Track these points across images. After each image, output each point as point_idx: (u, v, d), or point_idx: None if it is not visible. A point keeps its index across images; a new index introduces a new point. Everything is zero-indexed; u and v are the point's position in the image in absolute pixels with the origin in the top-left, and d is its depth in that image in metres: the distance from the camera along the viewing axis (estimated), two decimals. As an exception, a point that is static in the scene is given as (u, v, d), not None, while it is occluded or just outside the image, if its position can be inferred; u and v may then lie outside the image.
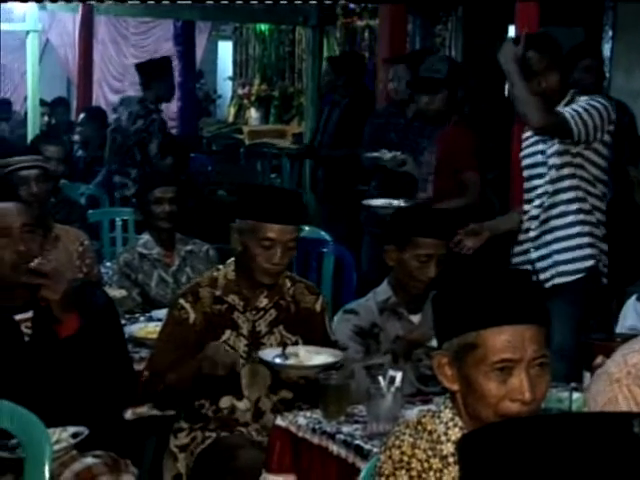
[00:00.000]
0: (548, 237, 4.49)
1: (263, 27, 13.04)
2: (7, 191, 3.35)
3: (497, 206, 6.15)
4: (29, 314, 3.23)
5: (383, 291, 3.85)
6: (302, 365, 3.49)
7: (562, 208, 4.45)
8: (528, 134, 4.57)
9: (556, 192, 4.44)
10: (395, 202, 5.63)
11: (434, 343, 3.52)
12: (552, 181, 4.45)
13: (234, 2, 10.38)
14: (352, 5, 10.99)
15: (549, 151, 4.45)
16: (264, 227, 3.56)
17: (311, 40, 12.11)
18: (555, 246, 4.47)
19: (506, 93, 9.09)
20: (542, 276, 4.46)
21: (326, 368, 3.42)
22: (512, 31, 7.01)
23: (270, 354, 3.51)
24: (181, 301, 3.64)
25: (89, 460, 3.05)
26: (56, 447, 2.96)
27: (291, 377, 3.55)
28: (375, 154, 6.01)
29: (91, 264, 4.84)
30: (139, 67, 7.78)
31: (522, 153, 4.61)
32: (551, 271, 4.47)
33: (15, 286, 3.18)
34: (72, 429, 3.08)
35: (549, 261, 4.48)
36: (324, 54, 11.52)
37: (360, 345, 3.75)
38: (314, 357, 3.51)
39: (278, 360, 3.48)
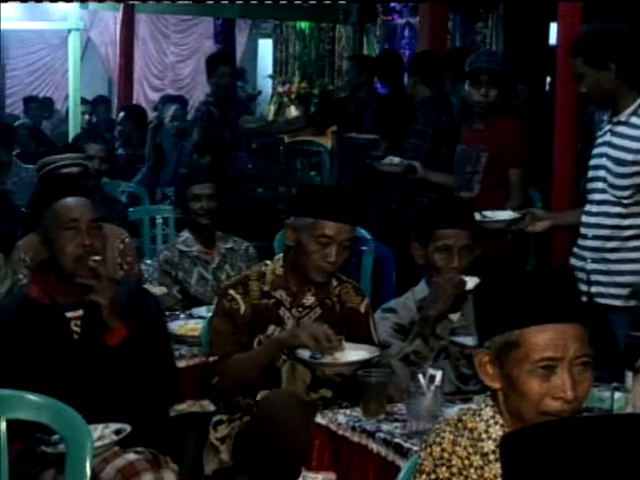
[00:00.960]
0: (608, 255, 4.32)
1: (303, 25, 13.03)
2: (75, 186, 3.42)
3: (540, 203, 6.10)
4: (79, 312, 3.26)
5: (421, 289, 3.84)
6: (336, 362, 3.48)
7: (630, 232, 4.30)
8: (601, 132, 4.48)
9: (625, 215, 4.30)
10: (396, 159, 5.86)
11: (466, 341, 3.54)
12: (620, 202, 4.34)
13: (274, 0, 10.40)
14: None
15: (619, 170, 4.34)
16: (322, 224, 3.59)
17: (351, 38, 12.13)
18: (615, 266, 4.30)
19: (547, 88, 9.08)
20: (594, 289, 4.33)
21: (361, 364, 3.42)
22: (554, 28, 6.97)
23: (307, 351, 3.52)
24: (231, 292, 3.66)
25: (131, 456, 3.06)
26: (99, 443, 2.98)
27: (327, 374, 3.54)
28: (384, 161, 5.96)
29: (132, 262, 4.86)
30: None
31: (593, 151, 4.51)
32: (607, 289, 4.33)
33: (73, 280, 3.21)
34: (114, 426, 3.10)
35: (606, 278, 4.31)
36: (364, 52, 11.52)
37: (402, 342, 3.74)
38: (350, 354, 3.51)
39: (314, 357, 3.49)
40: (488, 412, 2.23)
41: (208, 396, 3.83)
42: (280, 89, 13.49)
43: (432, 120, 6.18)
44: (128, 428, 3.09)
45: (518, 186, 5.34)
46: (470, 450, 2.19)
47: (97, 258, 3.20)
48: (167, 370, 3.37)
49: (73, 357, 3.22)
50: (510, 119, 5.50)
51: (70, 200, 3.29)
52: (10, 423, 2.77)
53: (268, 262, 3.79)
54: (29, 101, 11.82)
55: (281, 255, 3.78)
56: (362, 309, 3.76)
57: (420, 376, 3.15)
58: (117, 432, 3.09)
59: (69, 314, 3.26)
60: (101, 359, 3.19)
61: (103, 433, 3.08)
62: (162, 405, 3.44)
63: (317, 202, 3.63)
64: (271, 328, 3.66)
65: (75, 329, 3.26)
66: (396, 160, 5.88)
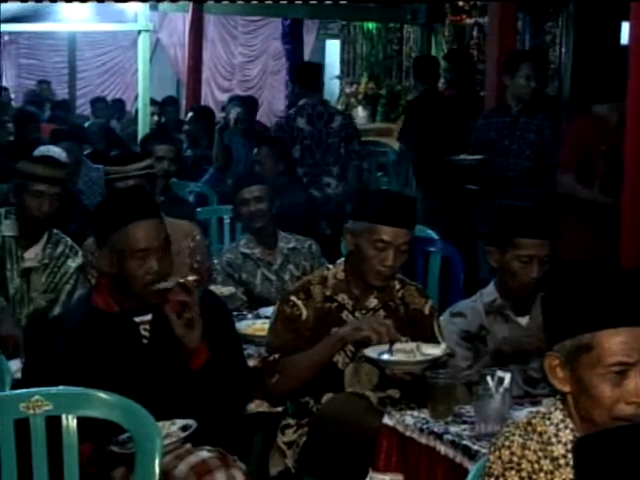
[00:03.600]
0: None
1: (371, 25, 13.02)
2: (150, 205, 3.33)
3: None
4: (148, 317, 3.27)
5: (489, 292, 3.82)
6: (407, 360, 3.48)
7: None
8: None
9: None
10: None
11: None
12: None
13: (342, 0, 10.41)
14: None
15: None
16: (379, 229, 3.60)
17: (419, 38, 12.08)
18: None
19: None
20: None
21: (431, 363, 3.41)
22: (625, 28, 6.89)
23: (376, 351, 3.52)
24: (293, 298, 3.68)
25: (204, 454, 3.08)
26: (166, 441, 2.99)
27: (396, 373, 3.54)
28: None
29: (202, 260, 4.85)
30: (309, 67, 7.73)
31: None
32: None
33: (141, 298, 3.23)
34: (180, 422, 3.11)
35: None
36: (432, 52, 11.48)
37: (467, 350, 3.71)
38: (419, 353, 3.50)
39: (384, 357, 3.49)
40: (558, 416, 2.21)
41: (265, 396, 3.76)
42: (347, 90, 13.48)
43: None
44: (194, 424, 3.09)
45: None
46: (540, 454, 2.17)
47: (168, 285, 3.18)
48: (240, 374, 3.37)
49: (143, 362, 3.22)
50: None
51: (141, 226, 3.20)
52: (79, 424, 2.79)
53: (330, 266, 3.81)
54: (96, 102, 11.89)
55: (343, 259, 3.79)
56: (426, 310, 3.76)
57: (488, 378, 3.13)
58: (183, 429, 3.10)
59: (137, 319, 3.27)
60: (184, 380, 3.19)
61: (169, 430, 3.08)
62: (235, 407, 3.45)
63: (374, 207, 3.65)
64: (334, 332, 3.66)
65: (144, 333, 3.27)
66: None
